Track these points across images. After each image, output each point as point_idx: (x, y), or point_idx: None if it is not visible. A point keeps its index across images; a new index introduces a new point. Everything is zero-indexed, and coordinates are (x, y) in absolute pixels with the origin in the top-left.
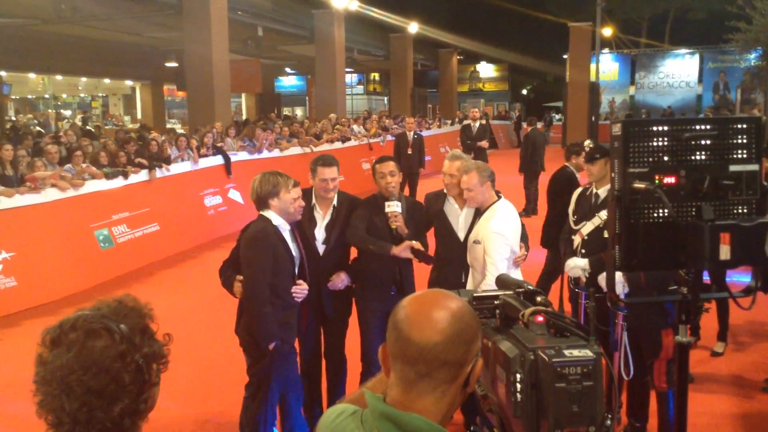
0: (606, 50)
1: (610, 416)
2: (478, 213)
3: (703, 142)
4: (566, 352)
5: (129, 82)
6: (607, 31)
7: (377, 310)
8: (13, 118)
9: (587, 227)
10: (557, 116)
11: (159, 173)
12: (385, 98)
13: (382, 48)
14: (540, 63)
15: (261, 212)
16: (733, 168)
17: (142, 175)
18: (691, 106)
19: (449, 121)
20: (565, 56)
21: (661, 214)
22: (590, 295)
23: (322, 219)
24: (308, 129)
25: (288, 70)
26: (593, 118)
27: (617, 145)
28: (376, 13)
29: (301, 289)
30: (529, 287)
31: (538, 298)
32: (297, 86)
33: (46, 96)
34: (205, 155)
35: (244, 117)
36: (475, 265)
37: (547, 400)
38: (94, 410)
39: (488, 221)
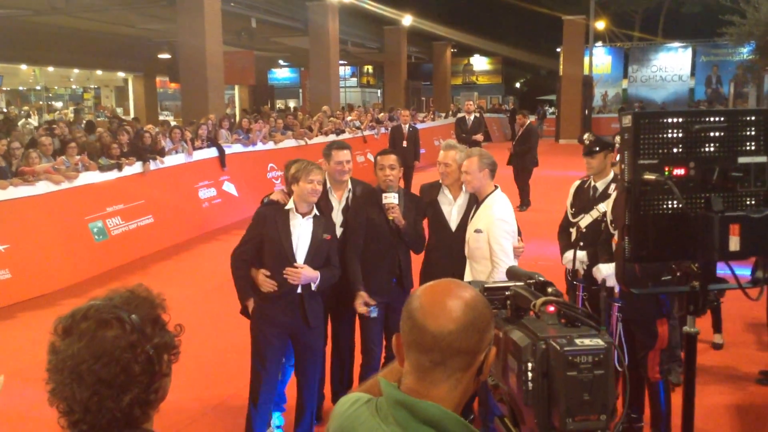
0: (599, 43)
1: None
2: (475, 203)
3: (712, 134)
4: (578, 341)
5: (121, 74)
6: (601, 25)
7: (378, 302)
8: (5, 110)
9: (585, 220)
10: (550, 109)
11: (153, 165)
12: (379, 91)
13: (376, 40)
14: (533, 56)
15: None
16: (741, 160)
17: (137, 168)
18: (684, 100)
19: (443, 114)
20: (558, 49)
21: (670, 206)
22: (603, 286)
23: (339, 203)
24: (303, 121)
25: (281, 62)
26: (586, 112)
27: (627, 136)
28: (370, 5)
29: (293, 271)
30: (540, 278)
31: (549, 289)
32: (290, 78)
33: (38, 88)
34: (200, 147)
35: (237, 109)
36: (476, 255)
37: (559, 389)
38: (104, 399)
39: (490, 209)
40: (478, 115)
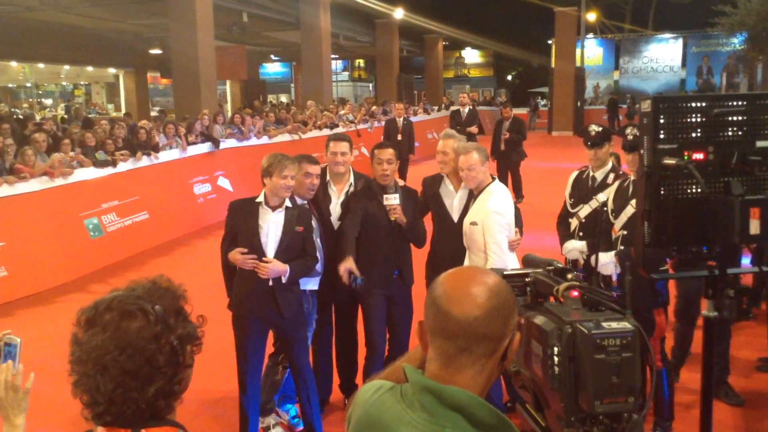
0: (590, 35)
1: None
2: (473, 195)
3: (731, 118)
4: (605, 324)
5: (112, 70)
6: (592, 16)
7: (380, 294)
8: None
9: (584, 210)
10: (542, 102)
11: (147, 161)
12: (371, 85)
13: (368, 34)
14: (525, 49)
15: None
16: (760, 144)
17: (131, 163)
18: (675, 91)
19: (435, 107)
20: (549, 42)
21: (690, 190)
22: (628, 269)
23: (337, 196)
24: (295, 115)
25: (273, 56)
26: (579, 104)
27: (646, 121)
28: None
29: (261, 266)
30: (558, 265)
31: (569, 275)
32: (282, 73)
33: (28, 85)
34: (194, 143)
35: (229, 104)
36: (473, 247)
37: (586, 372)
38: (129, 391)
39: (485, 202)
40: (472, 107)
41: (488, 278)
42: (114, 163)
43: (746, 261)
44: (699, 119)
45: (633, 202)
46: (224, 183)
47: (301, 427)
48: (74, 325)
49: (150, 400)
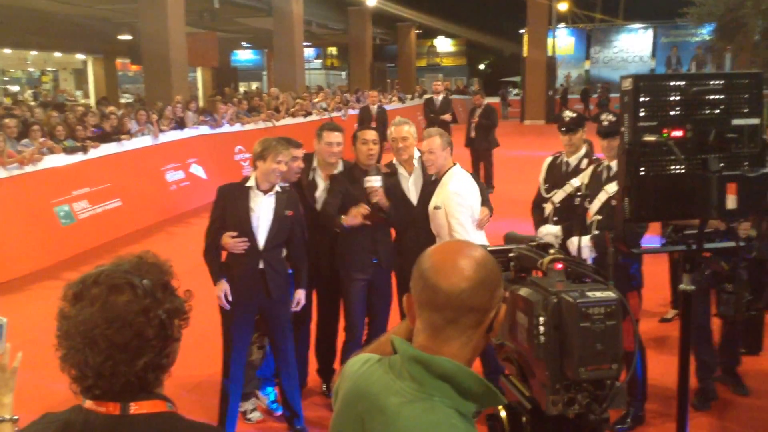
0: (562, 25)
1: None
2: (435, 181)
3: (708, 96)
4: (589, 293)
5: (80, 56)
6: (563, 6)
7: (360, 279)
8: None
9: (558, 195)
10: (514, 91)
11: (118, 147)
12: (343, 73)
13: (341, 21)
14: (497, 38)
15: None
16: (736, 122)
17: (102, 150)
18: None
19: (409, 96)
20: (521, 31)
21: (669, 167)
22: (610, 241)
23: (324, 183)
24: (269, 103)
25: (244, 43)
26: (550, 93)
27: (627, 99)
28: None
29: (234, 242)
30: (541, 241)
31: (551, 250)
32: (253, 60)
33: None
34: (165, 130)
35: (200, 91)
36: (441, 232)
37: (571, 340)
38: (117, 364)
39: (446, 185)
40: (445, 95)
41: (475, 251)
42: (84, 150)
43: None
44: (678, 98)
45: (607, 187)
46: (197, 170)
47: (280, 412)
48: (61, 299)
49: (139, 373)
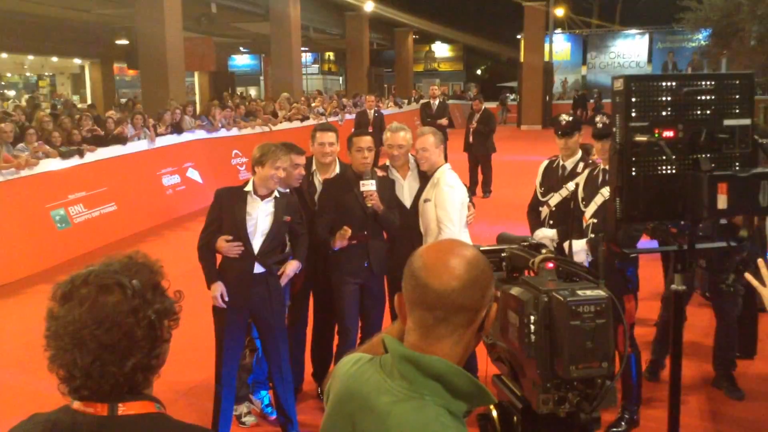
0: (559, 30)
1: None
2: (424, 178)
3: (700, 97)
4: (579, 292)
5: (77, 61)
6: (560, 12)
7: (353, 283)
8: None
9: (555, 198)
10: (511, 96)
11: (115, 151)
12: (341, 78)
13: (338, 26)
14: (494, 43)
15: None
16: (727, 122)
17: (98, 154)
18: None
19: (405, 100)
20: (518, 36)
21: (660, 167)
22: (602, 242)
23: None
24: (265, 107)
25: (242, 48)
26: (547, 98)
27: (619, 100)
28: None
29: (228, 246)
30: (533, 241)
31: (543, 250)
32: (250, 65)
33: None
34: (162, 134)
35: (197, 96)
36: (429, 226)
37: (562, 339)
38: (106, 365)
39: (439, 180)
40: (442, 100)
41: (466, 251)
42: (81, 153)
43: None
44: (669, 98)
45: (603, 190)
46: (193, 175)
47: (274, 416)
48: (50, 299)
49: (128, 374)
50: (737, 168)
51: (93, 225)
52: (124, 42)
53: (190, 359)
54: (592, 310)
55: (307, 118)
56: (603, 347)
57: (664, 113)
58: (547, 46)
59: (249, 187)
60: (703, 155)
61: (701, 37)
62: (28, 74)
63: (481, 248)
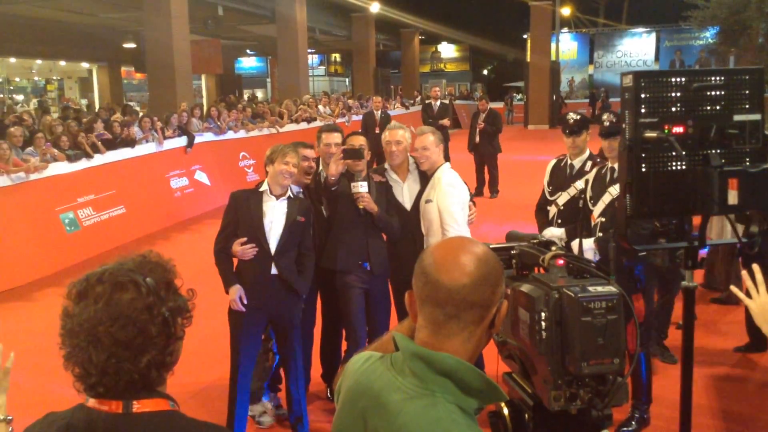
0: (565, 30)
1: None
2: (424, 180)
3: (709, 93)
4: (590, 288)
5: (85, 65)
6: (566, 11)
7: (357, 287)
8: None
9: (563, 197)
10: (518, 96)
11: (123, 154)
12: (347, 79)
13: (344, 28)
14: (500, 43)
15: None
16: (737, 117)
17: (107, 157)
18: None
19: (412, 101)
20: (525, 36)
21: (670, 163)
22: (612, 236)
23: None
24: (272, 109)
25: (248, 51)
26: (554, 97)
27: (628, 96)
28: None
29: (243, 249)
30: (542, 239)
31: (553, 247)
32: (257, 68)
33: None
34: (170, 137)
35: (204, 99)
36: (431, 227)
37: (573, 335)
38: (121, 362)
39: (440, 180)
40: (446, 101)
41: (476, 247)
42: (89, 156)
43: None
44: (679, 94)
45: (611, 189)
46: (201, 177)
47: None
48: (65, 298)
49: (143, 370)
50: (747, 163)
51: (102, 228)
52: (131, 45)
53: (202, 360)
54: (604, 306)
55: (314, 119)
56: (614, 343)
57: (673, 109)
58: (553, 45)
59: (264, 187)
60: (714, 151)
61: (708, 35)
62: (36, 78)
63: (491, 246)
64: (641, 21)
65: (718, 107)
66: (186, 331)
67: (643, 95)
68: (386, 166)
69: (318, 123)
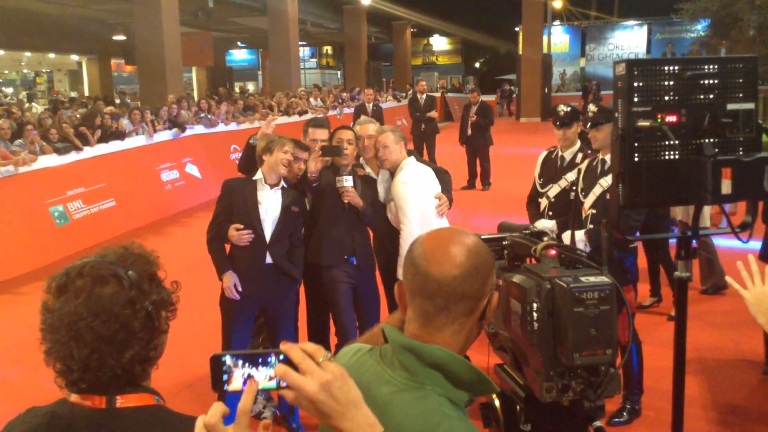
0: (557, 22)
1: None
2: (393, 175)
3: (703, 81)
4: (583, 278)
5: (75, 57)
6: (558, 4)
7: (344, 282)
8: None
9: (554, 189)
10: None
11: (113, 147)
12: (339, 72)
13: (336, 20)
14: (492, 36)
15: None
16: (730, 106)
17: (97, 150)
18: None
19: (404, 94)
20: (516, 29)
21: (664, 152)
22: (604, 226)
23: None
24: (264, 101)
25: (239, 43)
26: (546, 90)
27: (621, 84)
28: None
29: (239, 234)
30: (534, 229)
31: (545, 238)
32: (248, 60)
33: None
34: (160, 130)
35: (195, 91)
36: (398, 225)
37: (565, 326)
38: (104, 357)
39: (397, 177)
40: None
41: (467, 238)
42: (79, 147)
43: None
44: (672, 82)
45: (601, 181)
46: (192, 170)
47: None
48: (44, 292)
49: (126, 365)
50: (741, 153)
51: (92, 221)
52: (121, 38)
53: (192, 353)
54: (596, 297)
55: (306, 111)
56: (607, 334)
57: (666, 98)
58: (545, 38)
59: (258, 176)
60: (707, 140)
61: (700, 28)
62: (25, 71)
63: (483, 237)
64: (633, 14)
65: (711, 96)
66: (176, 324)
67: (635, 84)
68: (361, 160)
69: (310, 116)
